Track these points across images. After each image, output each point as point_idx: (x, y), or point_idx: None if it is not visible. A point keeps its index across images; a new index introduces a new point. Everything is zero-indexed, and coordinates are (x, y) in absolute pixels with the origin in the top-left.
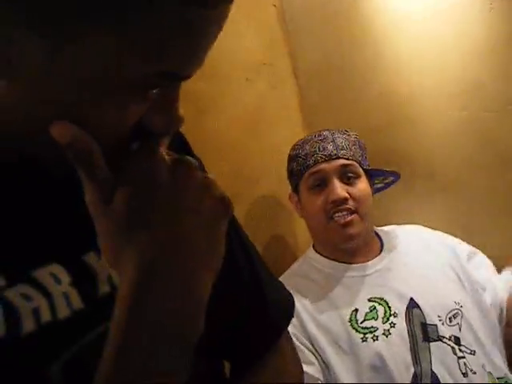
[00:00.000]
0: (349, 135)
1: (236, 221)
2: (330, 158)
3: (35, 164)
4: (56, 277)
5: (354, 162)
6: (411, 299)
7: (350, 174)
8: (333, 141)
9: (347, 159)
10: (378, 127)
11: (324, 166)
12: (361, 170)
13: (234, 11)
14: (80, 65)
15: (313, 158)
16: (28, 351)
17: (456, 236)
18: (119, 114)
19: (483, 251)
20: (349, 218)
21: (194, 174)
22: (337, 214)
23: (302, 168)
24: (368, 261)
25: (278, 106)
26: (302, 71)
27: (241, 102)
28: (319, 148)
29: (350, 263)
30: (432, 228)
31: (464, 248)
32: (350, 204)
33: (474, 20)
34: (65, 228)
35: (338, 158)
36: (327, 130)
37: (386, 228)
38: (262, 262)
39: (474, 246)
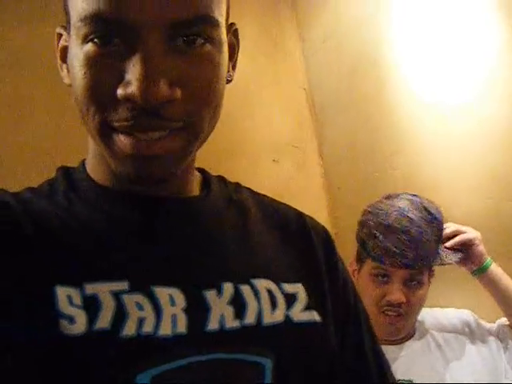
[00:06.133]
0: (432, 224)
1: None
2: (405, 267)
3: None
4: (173, 298)
5: (425, 272)
6: None
7: (415, 282)
8: (416, 248)
9: (419, 268)
10: None
11: (395, 269)
12: (427, 277)
13: (264, 94)
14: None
15: (390, 260)
16: (121, 354)
17: None
18: (88, 68)
19: None
20: (397, 319)
21: None
22: (387, 312)
23: (376, 256)
24: (401, 342)
25: (303, 187)
26: (328, 154)
27: (266, 183)
28: (400, 251)
29: (385, 341)
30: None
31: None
32: (403, 309)
33: (496, 111)
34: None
35: (413, 268)
36: (420, 217)
37: (428, 310)
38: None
39: None
